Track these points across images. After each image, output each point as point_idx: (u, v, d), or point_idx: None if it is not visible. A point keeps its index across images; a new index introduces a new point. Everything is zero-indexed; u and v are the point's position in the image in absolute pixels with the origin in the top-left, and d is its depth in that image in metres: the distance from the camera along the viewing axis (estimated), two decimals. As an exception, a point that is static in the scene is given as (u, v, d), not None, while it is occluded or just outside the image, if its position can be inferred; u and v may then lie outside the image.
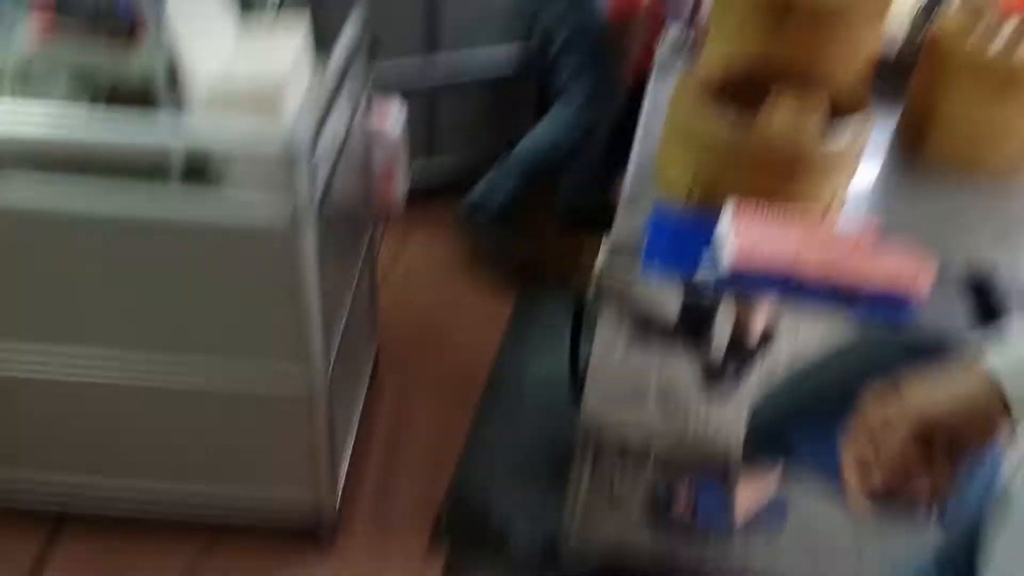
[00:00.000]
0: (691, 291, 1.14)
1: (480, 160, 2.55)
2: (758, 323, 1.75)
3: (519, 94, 2.63)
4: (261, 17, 1.57)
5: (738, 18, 1.49)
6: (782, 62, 1.38)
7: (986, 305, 1.10)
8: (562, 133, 2.37)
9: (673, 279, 1.12)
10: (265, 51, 1.45)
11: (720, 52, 1.53)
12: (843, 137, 1.20)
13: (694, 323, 1.54)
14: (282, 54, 1.43)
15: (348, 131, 1.55)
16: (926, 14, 1.73)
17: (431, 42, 2.42)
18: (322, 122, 1.30)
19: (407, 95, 2.11)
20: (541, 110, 2.48)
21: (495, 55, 2.52)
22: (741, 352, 1.68)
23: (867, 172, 1.45)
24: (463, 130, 2.65)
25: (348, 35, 1.51)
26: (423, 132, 2.56)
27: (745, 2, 1.46)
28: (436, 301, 2.43)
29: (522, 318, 2.37)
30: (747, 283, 1.10)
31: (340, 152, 1.48)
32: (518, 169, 2.42)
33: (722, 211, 1.16)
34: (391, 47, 2.16)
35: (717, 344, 1.70)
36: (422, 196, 2.48)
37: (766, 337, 1.80)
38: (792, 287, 1.09)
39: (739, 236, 1.11)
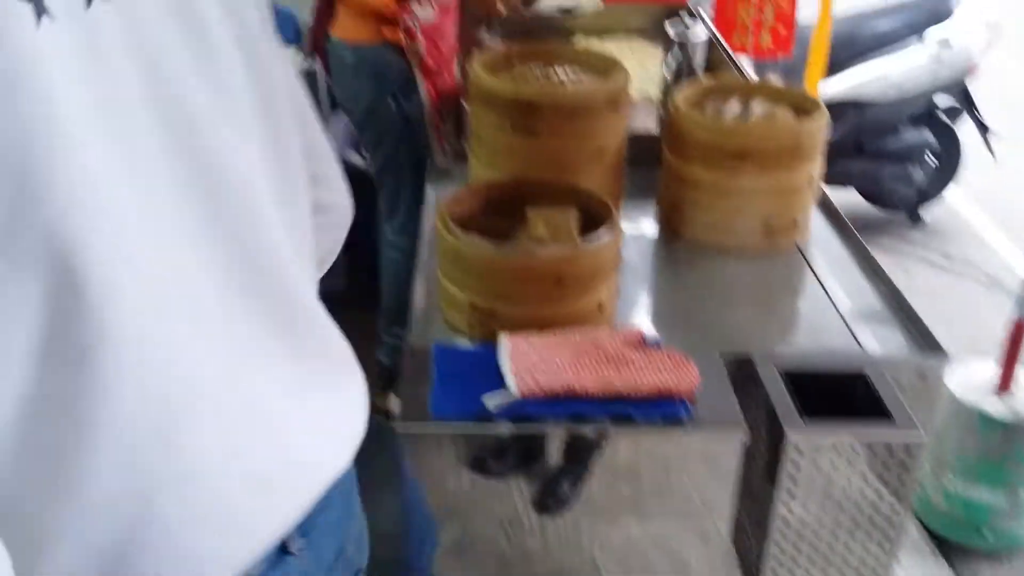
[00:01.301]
0: (485, 428, 1.15)
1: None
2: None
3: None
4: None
5: (489, 143, 1.56)
6: (535, 181, 1.45)
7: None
8: None
9: (467, 420, 1.14)
10: None
11: (481, 175, 1.59)
12: (599, 238, 1.26)
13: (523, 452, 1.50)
14: None
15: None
16: (665, 97, 1.84)
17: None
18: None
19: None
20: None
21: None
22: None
23: (639, 259, 1.54)
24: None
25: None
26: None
27: (493, 124, 1.53)
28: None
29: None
30: (534, 411, 1.13)
31: None
32: None
33: (499, 343, 1.20)
34: None
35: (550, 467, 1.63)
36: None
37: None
38: (576, 408, 1.13)
39: (516, 368, 1.14)
